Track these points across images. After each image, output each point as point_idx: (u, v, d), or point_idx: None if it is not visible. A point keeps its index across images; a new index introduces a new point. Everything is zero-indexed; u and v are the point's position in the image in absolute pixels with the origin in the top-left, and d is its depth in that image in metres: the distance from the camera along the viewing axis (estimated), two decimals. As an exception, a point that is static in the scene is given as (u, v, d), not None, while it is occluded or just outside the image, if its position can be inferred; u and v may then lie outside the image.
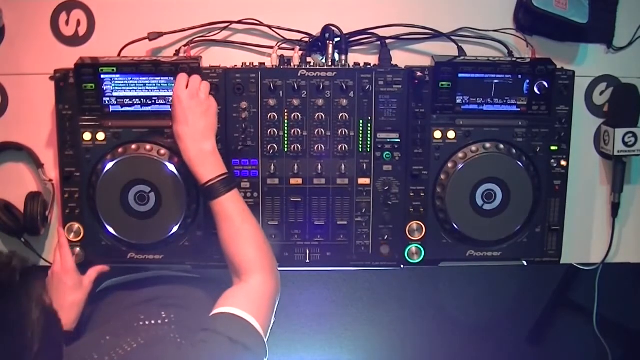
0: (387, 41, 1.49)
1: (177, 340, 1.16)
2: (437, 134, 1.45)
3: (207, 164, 1.28)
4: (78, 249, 1.44)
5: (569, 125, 1.46)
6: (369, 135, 1.44)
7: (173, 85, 1.33)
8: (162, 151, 1.40)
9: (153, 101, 1.41)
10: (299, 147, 1.44)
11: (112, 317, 1.31)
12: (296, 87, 1.41)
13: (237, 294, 1.22)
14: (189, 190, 1.40)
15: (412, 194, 1.46)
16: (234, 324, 1.14)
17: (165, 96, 1.41)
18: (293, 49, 1.48)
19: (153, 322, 1.24)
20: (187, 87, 1.31)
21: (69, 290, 1.37)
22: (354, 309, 2.62)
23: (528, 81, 1.43)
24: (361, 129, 1.44)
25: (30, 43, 1.49)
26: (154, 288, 1.43)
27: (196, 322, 1.22)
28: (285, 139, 1.43)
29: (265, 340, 1.18)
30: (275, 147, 1.43)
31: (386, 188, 1.46)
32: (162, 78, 1.40)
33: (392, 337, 2.59)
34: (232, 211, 1.27)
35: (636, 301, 2.45)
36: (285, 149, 1.44)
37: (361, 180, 1.45)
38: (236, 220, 1.27)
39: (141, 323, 1.24)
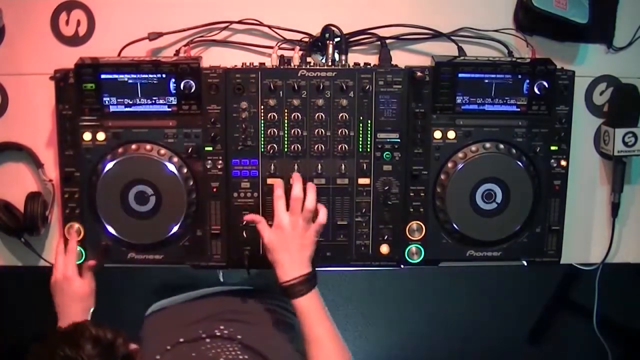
0: (387, 41, 1.48)
1: None
2: (437, 134, 1.44)
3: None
4: (78, 249, 1.43)
5: (569, 125, 1.46)
6: (369, 135, 1.44)
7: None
8: (162, 151, 1.40)
9: (153, 101, 1.41)
10: (299, 147, 1.43)
11: (169, 339, 1.31)
12: (296, 87, 1.41)
13: None
14: (189, 190, 1.40)
15: (412, 194, 1.46)
16: None
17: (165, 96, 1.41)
18: (293, 49, 1.48)
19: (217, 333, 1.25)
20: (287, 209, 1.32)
21: (76, 298, 1.38)
22: (353, 309, 2.62)
23: (528, 81, 1.43)
24: (361, 129, 1.44)
25: (30, 43, 1.49)
26: (208, 304, 1.45)
27: (259, 337, 1.22)
28: (285, 139, 1.43)
29: None
30: (275, 147, 1.43)
31: (386, 188, 1.46)
32: (162, 78, 1.39)
33: (392, 337, 2.59)
34: (310, 314, 1.29)
35: (636, 301, 2.45)
36: (285, 149, 1.44)
37: (361, 180, 1.45)
38: (314, 327, 1.28)
39: (206, 340, 1.25)
